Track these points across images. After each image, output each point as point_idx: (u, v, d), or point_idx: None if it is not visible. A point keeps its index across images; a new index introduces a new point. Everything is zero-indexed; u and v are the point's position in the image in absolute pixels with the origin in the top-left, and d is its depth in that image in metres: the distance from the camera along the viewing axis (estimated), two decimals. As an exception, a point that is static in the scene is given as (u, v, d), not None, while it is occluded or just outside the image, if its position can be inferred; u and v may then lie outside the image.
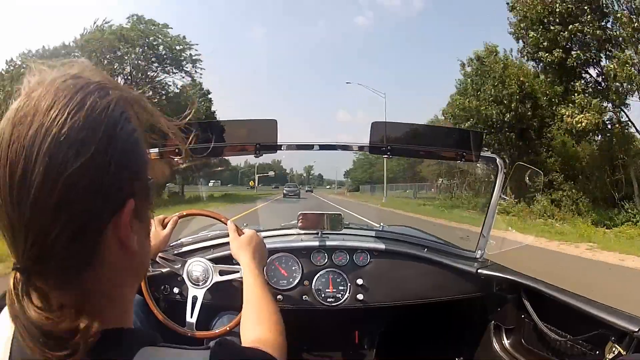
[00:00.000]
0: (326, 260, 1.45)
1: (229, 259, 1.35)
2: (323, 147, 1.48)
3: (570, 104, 12.07)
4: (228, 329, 1.18)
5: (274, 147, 1.38)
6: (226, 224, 1.14)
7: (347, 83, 45.69)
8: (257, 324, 0.76)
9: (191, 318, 1.23)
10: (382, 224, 1.84)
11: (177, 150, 1.34)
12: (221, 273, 1.27)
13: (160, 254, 1.26)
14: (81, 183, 0.36)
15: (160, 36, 19.83)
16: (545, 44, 12.28)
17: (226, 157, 1.58)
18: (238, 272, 1.24)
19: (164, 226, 1.17)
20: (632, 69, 10.80)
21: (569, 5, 11.54)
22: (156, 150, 1.31)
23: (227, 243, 1.45)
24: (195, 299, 1.25)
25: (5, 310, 0.41)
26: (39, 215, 0.35)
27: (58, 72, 0.40)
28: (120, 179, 0.39)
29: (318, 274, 1.42)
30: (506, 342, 1.46)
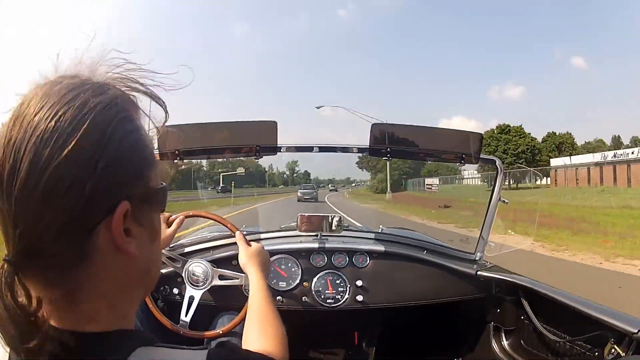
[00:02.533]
0: (326, 261, 1.45)
1: (228, 262, 1.35)
2: (323, 149, 1.48)
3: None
4: (221, 332, 1.18)
5: (274, 149, 1.38)
6: (234, 233, 1.14)
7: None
8: (261, 336, 0.76)
9: (185, 317, 1.23)
10: (381, 226, 1.85)
11: (176, 152, 1.34)
12: (221, 277, 1.27)
13: (162, 251, 1.26)
14: (65, 180, 0.36)
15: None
16: None
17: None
18: (238, 279, 1.24)
19: (168, 224, 1.16)
20: None
21: None
22: (156, 151, 1.31)
23: (227, 245, 1.46)
24: (192, 298, 1.25)
25: None
26: (25, 209, 0.36)
27: (56, 75, 0.41)
28: (110, 180, 0.38)
29: (317, 275, 1.43)
30: (505, 343, 1.46)
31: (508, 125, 36.90)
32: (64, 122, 0.37)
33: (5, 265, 0.37)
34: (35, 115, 0.37)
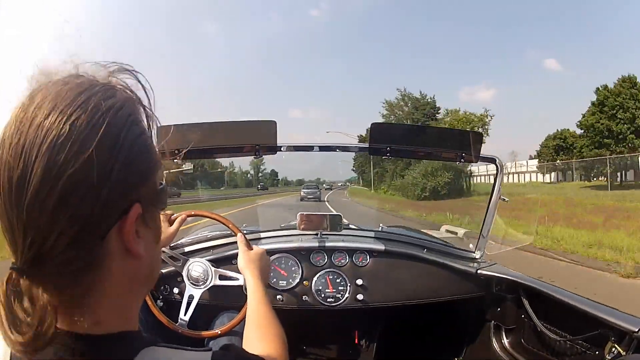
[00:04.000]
0: (326, 260, 1.45)
1: (228, 261, 1.35)
2: (322, 148, 1.49)
3: None
4: (219, 332, 1.18)
5: (273, 149, 1.38)
6: (236, 235, 1.14)
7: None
8: (261, 340, 0.76)
9: (185, 316, 1.24)
10: (381, 225, 1.84)
11: (176, 151, 1.34)
12: (221, 277, 1.27)
13: (163, 250, 1.26)
14: (81, 186, 0.35)
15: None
16: None
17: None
18: (238, 279, 1.24)
19: (170, 223, 1.16)
20: None
21: None
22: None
23: (227, 244, 1.46)
24: (191, 297, 1.25)
25: None
26: (37, 217, 0.35)
27: (62, 74, 0.40)
28: (124, 184, 0.38)
29: (318, 275, 1.43)
30: (506, 341, 1.46)
31: (635, 77, 21.01)
32: (79, 127, 0.36)
33: (14, 274, 0.36)
34: (46, 118, 0.36)
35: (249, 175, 61.01)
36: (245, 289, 0.93)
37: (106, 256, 0.39)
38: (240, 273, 1.03)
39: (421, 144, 1.48)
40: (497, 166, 1.46)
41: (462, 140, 1.41)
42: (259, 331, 0.78)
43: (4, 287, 0.37)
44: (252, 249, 1.06)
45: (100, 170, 0.36)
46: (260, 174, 60.70)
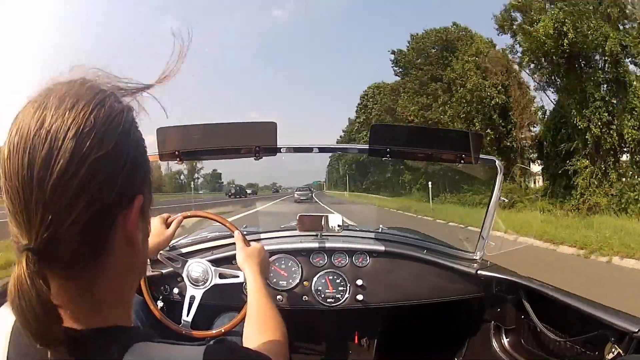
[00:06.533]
0: (325, 261, 1.46)
1: (228, 261, 1.35)
2: (322, 149, 1.49)
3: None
4: (223, 330, 1.19)
5: (274, 150, 1.38)
6: (233, 232, 1.15)
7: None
8: (261, 334, 0.77)
9: (187, 317, 1.24)
10: (381, 225, 1.85)
11: (176, 152, 1.34)
12: (221, 276, 1.28)
13: (161, 252, 1.27)
14: (101, 172, 0.39)
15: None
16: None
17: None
18: (238, 276, 1.24)
19: (167, 225, 1.17)
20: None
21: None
22: (156, 152, 1.31)
23: (227, 245, 1.46)
24: (192, 298, 1.26)
25: (4, 306, 0.42)
26: (60, 197, 0.37)
27: (74, 75, 0.43)
28: (133, 177, 0.42)
29: (317, 275, 1.43)
30: (506, 342, 1.46)
31: None
32: (101, 120, 0.40)
33: (30, 255, 0.37)
34: (71, 109, 0.39)
35: (180, 176, 47.17)
36: (245, 287, 0.94)
37: (112, 245, 0.42)
38: (240, 270, 1.04)
39: (420, 145, 1.48)
40: (497, 167, 1.47)
41: (461, 142, 1.41)
42: (259, 324, 0.79)
43: (23, 270, 0.37)
44: (250, 245, 1.06)
45: (117, 160, 0.40)
46: (196, 176, 46.01)
